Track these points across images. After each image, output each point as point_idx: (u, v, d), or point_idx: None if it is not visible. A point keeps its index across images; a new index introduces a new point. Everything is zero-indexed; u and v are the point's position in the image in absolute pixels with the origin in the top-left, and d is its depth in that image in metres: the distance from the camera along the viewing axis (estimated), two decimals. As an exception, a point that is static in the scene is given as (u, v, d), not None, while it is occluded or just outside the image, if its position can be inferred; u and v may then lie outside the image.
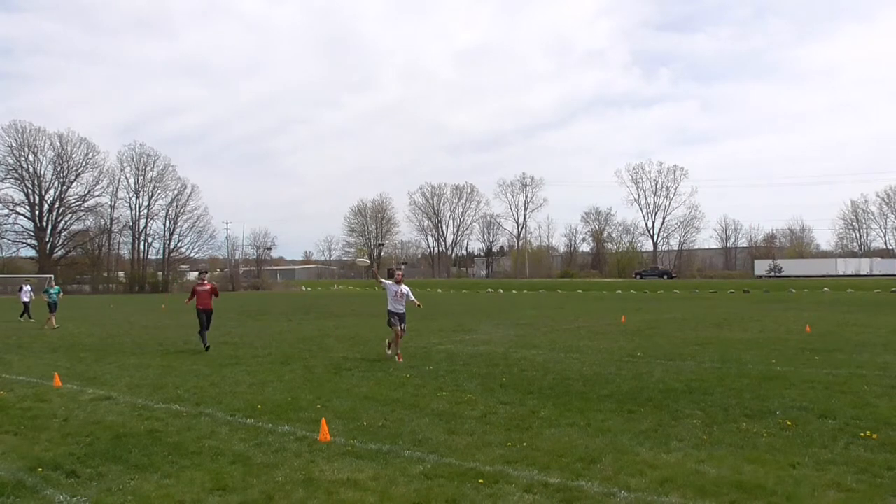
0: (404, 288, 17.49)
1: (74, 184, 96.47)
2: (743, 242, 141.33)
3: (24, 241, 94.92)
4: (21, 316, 33.47)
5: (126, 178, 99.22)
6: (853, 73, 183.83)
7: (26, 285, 34.71)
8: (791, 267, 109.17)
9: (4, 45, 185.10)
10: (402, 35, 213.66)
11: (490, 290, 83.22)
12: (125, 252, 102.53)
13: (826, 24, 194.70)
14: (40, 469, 8.00)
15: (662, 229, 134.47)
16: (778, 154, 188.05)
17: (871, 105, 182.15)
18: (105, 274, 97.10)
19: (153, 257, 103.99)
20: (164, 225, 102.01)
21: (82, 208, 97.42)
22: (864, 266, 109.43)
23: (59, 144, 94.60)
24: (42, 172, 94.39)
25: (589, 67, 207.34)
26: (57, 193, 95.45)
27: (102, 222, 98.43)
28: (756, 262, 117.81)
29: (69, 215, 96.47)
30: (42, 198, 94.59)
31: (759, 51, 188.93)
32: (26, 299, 33.85)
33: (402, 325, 17.42)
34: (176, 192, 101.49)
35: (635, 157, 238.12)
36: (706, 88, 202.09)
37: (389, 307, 17.51)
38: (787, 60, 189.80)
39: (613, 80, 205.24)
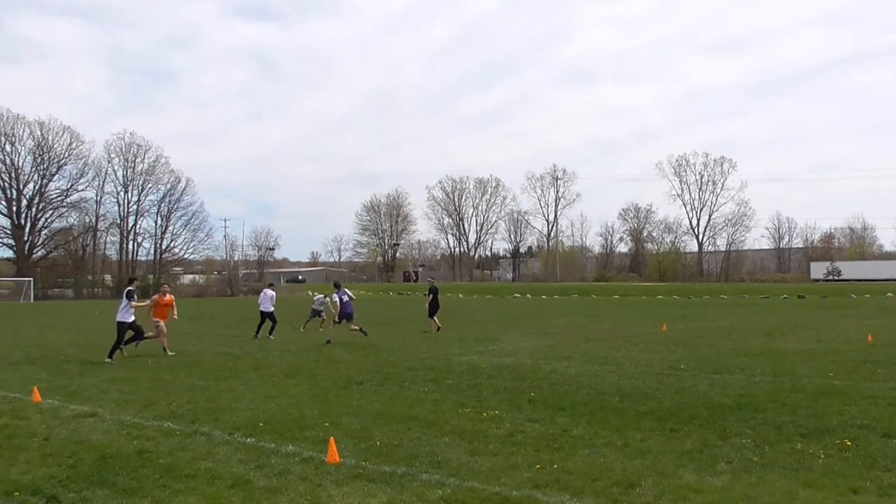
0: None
1: (56, 177, 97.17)
2: (798, 242, 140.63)
3: (1, 240, 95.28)
4: None
5: (113, 170, 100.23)
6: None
7: None
8: (851, 270, 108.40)
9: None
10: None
11: (517, 294, 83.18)
12: (112, 253, 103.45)
13: None
14: (17, 493, 7.99)
15: (708, 228, 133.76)
16: (838, 144, 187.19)
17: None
18: (90, 277, 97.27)
19: (143, 258, 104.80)
20: (156, 222, 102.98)
21: (65, 204, 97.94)
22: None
23: (39, 133, 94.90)
24: (20, 164, 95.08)
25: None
26: (37, 187, 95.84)
27: (87, 219, 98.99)
28: (812, 264, 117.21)
29: (50, 211, 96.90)
30: (20, 192, 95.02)
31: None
32: None
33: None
34: (169, 186, 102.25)
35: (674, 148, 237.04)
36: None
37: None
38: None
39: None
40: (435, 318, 29.90)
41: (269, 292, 28.66)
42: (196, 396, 14.08)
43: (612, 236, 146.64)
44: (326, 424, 11.20)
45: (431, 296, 30.20)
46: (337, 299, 25.66)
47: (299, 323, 33.34)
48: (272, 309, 28.09)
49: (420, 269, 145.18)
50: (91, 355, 22.00)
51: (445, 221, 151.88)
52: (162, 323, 21.58)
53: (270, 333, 27.50)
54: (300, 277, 32.86)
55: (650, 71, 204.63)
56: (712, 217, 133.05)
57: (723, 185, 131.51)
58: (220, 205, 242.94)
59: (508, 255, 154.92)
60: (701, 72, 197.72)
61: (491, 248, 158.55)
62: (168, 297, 21.99)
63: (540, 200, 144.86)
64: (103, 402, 13.66)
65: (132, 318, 20.76)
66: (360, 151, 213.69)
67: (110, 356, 20.26)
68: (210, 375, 17.07)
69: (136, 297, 21.18)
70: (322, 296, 33.51)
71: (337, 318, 25.54)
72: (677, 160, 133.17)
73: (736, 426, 10.79)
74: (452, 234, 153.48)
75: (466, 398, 13.58)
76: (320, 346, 23.90)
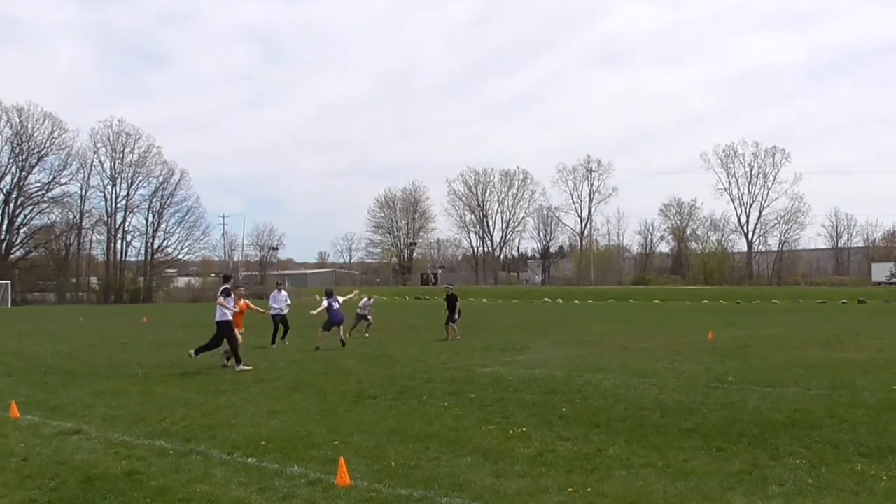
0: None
1: (36, 169, 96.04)
2: (857, 242, 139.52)
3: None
4: None
5: (100, 161, 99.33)
6: None
7: None
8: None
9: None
10: None
11: (547, 299, 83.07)
12: (98, 253, 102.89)
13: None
14: (-4, 518, 8.07)
15: (759, 225, 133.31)
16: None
17: None
18: (74, 279, 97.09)
19: (133, 259, 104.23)
20: (147, 219, 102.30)
21: (46, 199, 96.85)
22: None
23: (17, 120, 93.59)
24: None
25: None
26: (15, 180, 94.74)
27: (71, 216, 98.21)
28: (874, 265, 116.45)
29: (30, 207, 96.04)
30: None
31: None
32: None
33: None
34: (161, 178, 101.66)
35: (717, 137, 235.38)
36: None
37: None
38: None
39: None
40: (454, 325, 30.42)
41: (283, 293, 28.70)
42: (191, 412, 14.12)
43: (651, 235, 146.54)
44: (336, 443, 11.22)
45: (453, 303, 30.66)
46: (326, 305, 26.49)
47: (304, 330, 33.36)
48: (286, 311, 28.21)
49: (439, 272, 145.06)
50: (75, 366, 22.08)
51: (468, 218, 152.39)
52: (237, 332, 21.51)
53: (284, 338, 27.79)
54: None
55: (694, 51, 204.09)
56: (763, 213, 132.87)
57: (775, 177, 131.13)
58: (218, 200, 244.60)
59: (537, 255, 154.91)
60: (751, 52, 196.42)
61: (518, 248, 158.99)
62: (243, 301, 21.88)
63: (572, 195, 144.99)
64: (88, 417, 13.71)
65: (231, 317, 20.90)
66: (373, 140, 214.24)
67: (238, 362, 20.47)
68: (207, 389, 17.12)
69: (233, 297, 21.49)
70: (367, 298, 33.75)
71: (325, 325, 26.39)
72: (724, 150, 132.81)
73: (789, 445, 10.75)
74: (475, 233, 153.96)
75: (491, 414, 13.58)
76: (328, 356, 23.94)
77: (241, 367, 20.23)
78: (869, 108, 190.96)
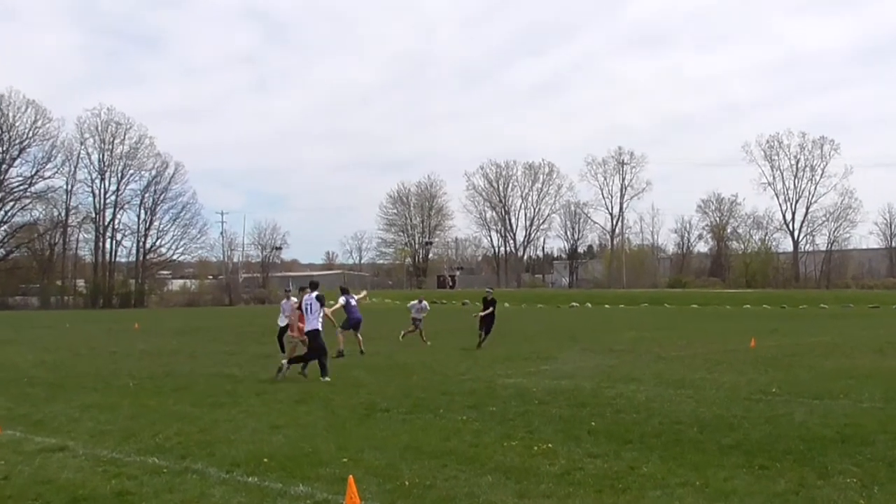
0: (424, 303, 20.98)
1: (18, 161, 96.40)
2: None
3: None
4: None
5: (87, 153, 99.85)
6: None
7: None
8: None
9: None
10: None
11: (575, 303, 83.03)
12: (86, 253, 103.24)
13: None
14: (-26, 542, 8.08)
15: (806, 223, 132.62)
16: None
17: None
18: (59, 282, 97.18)
19: (123, 260, 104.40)
20: (139, 216, 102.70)
21: (28, 194, 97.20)
22: None
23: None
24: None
25: None
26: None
27: (55, 213, 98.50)
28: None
29: (11, 203, 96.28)
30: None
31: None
32: None
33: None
34: (154, 172, 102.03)
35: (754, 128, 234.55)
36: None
37: None
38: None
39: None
40: (486, 333, 30.50)
41: (293, 300, 28.70)
42: (187, 426, 14.13)
43: (689, 233, 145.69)
44: (344, 460, 11.22)
45: (490, 309, 30.74)
46: (343, 301, 26.88)
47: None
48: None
49: (458, 273, 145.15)
50: (60, 377, 22.13)
51: (488, 215, 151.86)
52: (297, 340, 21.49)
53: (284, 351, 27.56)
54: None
55: (736, 32, 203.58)
56: (810, 210, 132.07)
57: (823, 171, 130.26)
58: (216, 195, 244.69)
59: (564, 255, 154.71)
60: (799, 33, 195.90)
61: (543, 248, 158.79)
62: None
63: (602, 190, 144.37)
64: (75, 433, 13.73)
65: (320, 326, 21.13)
66: (385, 131, 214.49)
67: (324, 374, 20.56)
68: (204, 401, 17.14)
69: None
70: (417, 301, 33.94)
71: (344, 324, 26.73)
72: (768, 141, 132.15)
73: (839, 462, 10.71)
74: (497, 231, 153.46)
75: (514, 428, 13.57)
76: (336, 366, 23.90)
77: (327, 377, 20.49)
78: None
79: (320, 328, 20.87)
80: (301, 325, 21.94)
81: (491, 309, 30.59)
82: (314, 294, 21.22)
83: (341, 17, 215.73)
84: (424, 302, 34.03)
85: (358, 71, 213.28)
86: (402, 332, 33.18)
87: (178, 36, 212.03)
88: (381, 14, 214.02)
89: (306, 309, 21.11)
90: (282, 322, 27.64)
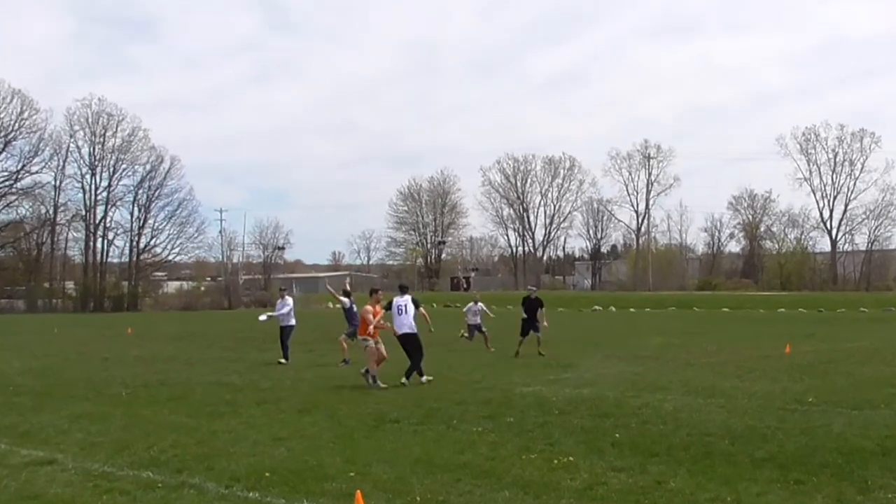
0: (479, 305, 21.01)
1: (3, 155, 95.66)
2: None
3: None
4: None
5: (77, 146, 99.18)
6: None
7: None
8: None
9: None
10: None
11: (597, 307, 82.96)
12: (76, 253, 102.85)
13: None
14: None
15: (844, 221, 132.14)
16: None
17: None
18: (47, 284, 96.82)
19: (115, 260, 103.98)
20: (132, 214, 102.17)
21: (14, 190, 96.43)
22: None
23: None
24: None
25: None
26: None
27: (43, 210, 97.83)
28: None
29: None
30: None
31: None
32: None
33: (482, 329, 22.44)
34: (149, 167, 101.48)
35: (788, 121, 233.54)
36: None
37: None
38: None
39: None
40: (539, 335, 29.72)
41: (287, 301, 28.67)
42: (183, 438, 14.19)
43: (719, 232, 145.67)
44: (352, 474, 11.26)
45: (537, 308, 30.10)
46: (348, 304, 27.59)
47: (313, 344, 33.45)
48: (294, 322, 28.42)
49: (472, 275, 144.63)
50: (48, 385, 22.15)
51: (505, 213, 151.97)
52: (372, 342, 21.43)
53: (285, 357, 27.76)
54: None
55: (770, 17, 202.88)
56: (849, 207, 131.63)
57: (863, 165, 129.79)
58: (215, 192, 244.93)
59: (586, 256, 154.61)
60: (836, 18, 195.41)
61: (564, 248, 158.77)
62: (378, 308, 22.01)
63: (627, 186, 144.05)
64: (64, 445, 13.78)
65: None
66: (395, 123, 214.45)
67: (422, 376, 21.17)
68: (201, 411, 17.21)
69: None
70: (473, 303, 33.44)
71: (349, 332, 26.67)
72: (804, 134, 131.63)
73: (880, 477, 10.71)
74: (514, 230, 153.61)
75: (532, 440, 13.60)
76: (343, 373, 24.01)
77: (426, 378, 21.20)
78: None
79: (416, 330, 21.42)
80: (380, 325, 21.66)
81: (539, 310, 29.89)
82: (408, 296, 21.62)
83: (348, 1, 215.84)
84: (481, 304, 33.40)
85: (366, 60, 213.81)
86: (461, 333, 33.88)
87: (173, 22, 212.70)
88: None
89: (398, 311, 21.40)
90: (284, 322, 27.67)
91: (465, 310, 33.59)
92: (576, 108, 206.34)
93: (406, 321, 21.31)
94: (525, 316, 29.81)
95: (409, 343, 21.31)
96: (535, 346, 29.24)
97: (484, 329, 32.45)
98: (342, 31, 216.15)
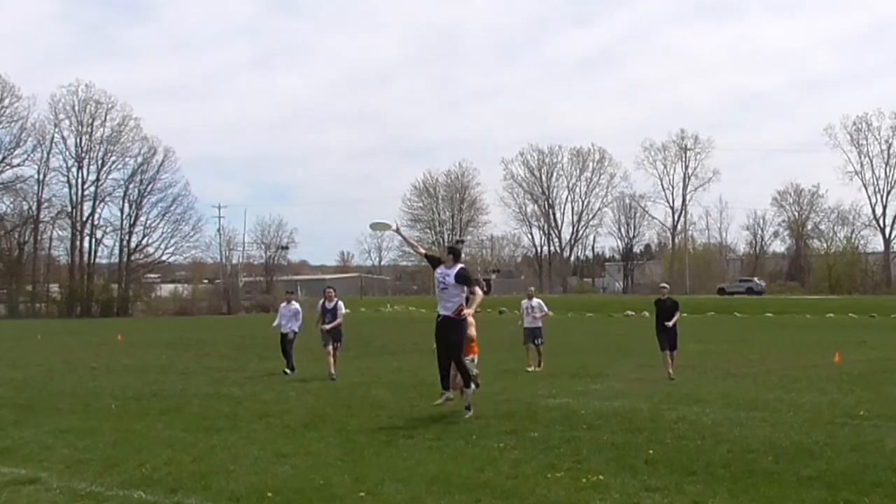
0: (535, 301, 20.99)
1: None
2: None
3: None
4: None
5: (62, 137, 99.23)
6: None
7: None
8: None
9: None
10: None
11: (630, 312, 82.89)
12: (61, 253, 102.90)
13: None
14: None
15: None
16: None
17: None
18: (29, 287, 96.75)
19: (105, 261, 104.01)
20: (122, 211, 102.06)
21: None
22: None
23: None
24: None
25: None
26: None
27: (26, 206, 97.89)
28: None
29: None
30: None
31: None
32: None
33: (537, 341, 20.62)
34: (140, 159, 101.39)
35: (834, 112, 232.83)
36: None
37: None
38: None
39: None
40: (672, 352, 25.39)
41: (294, 305, 28.80)
42: (178, 455, 14.16)
43: (762, 231, 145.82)
44: (362, 494, 11.27)
45: (671, 311, 25.88)
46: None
47: (321, 352, 33.42)
48: (297, 329, 28.33)
49: (493, 277, 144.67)
50: (31, 397, 22.21)
51: (529, 210, 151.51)
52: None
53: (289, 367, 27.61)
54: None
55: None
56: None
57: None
58: (212, 186, 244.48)
59: (617, 256, 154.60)
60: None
61: (593, 248, 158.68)
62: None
63: (662, 180, 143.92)
64: (49, 462, 13.76)
65: None
66: (409, 112, 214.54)
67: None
68: (198, 426, 17.22)
69: None
70: (527, 299, 29.15)
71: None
72: (855, 123, 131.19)
73: (938, 498, 10.67)
74: (539, 228, 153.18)
75: (558, 457, 13.60)
76: (353, 384, 24.03)
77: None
78: None
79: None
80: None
81: (676, 313, 25.67)
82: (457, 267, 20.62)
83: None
84: (537, 300, 28.90)
85: (377, 43, 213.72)
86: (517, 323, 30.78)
87: (168, 1, 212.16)
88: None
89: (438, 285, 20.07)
90: (286, 329, 27.67)
91: (525, 307, 28.64)
92: (606, 96, 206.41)
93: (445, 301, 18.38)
94: (660, 324, 25.96)
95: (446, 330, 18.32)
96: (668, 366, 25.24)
97: (540, 341, 27.93)
98: (351, 13, 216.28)
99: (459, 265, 18.61)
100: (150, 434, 16.29)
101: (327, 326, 25.69)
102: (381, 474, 12.46)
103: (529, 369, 26.77)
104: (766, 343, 40.33)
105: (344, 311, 27.12)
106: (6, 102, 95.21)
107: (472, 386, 18.26)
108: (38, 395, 22.46)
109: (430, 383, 23.88)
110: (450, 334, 18.00)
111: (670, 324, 24.51)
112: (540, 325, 27.92)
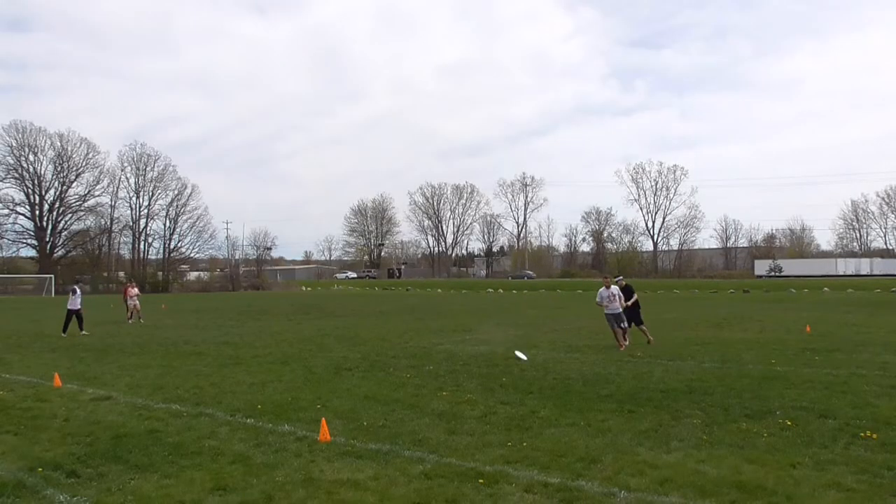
0: (614, 289, 19.12)
1: (75, 184, 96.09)
2: (743, 242, 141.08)
3: (25, 240, 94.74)
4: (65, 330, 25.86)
5: (126, 177, 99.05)
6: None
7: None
8: (791, 267, 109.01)
9: (19, 61, 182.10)
10: (389, 51, 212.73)
11: (490, 290, 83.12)
12: (125, 252, 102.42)
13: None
14: (40, 469, 8.00)
15: (663, 229, 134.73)
16: (778, 153, 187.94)
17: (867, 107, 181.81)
18: (105, 274, 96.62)
19: (153, 257, 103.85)
20: (165, 225, 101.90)
21: (82, 208, 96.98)
22: (864, 266, 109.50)
23: (59, 144, 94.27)
24: (42, 172, 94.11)
25: (568, 80, 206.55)
26: (57, 193, 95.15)
27: (103, 222, 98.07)
28: (756, 262, 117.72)
29: (69, 215, 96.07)
30: (42, 197, 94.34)
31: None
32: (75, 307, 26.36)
33: (622, 324, 19.00)
34: (176, 191, 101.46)
35: (622, 160, 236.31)
36: (681, 98, 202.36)
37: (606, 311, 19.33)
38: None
39: (593, 92, 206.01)
40: (642, 326, 20.68)
41: (77, 291, 26.70)
42: (201, 382, 14.08)
43: (575, 237, 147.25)
44: (318, 407, 11.23)
45: (632, 297, 20.23)
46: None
47: (291, 314, 33.16)
48: (79, 307, 26.19)
49: (403, 267, 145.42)
50: (106, 344, 21.95)
51: (426, 223, 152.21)
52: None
53: (81, 329, 25.63)
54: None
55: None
56: (666, 219, 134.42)
57: (675, 190, 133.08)
58: (222, 208, 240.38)
59: (482, 253, 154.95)
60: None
61: (467, 248, 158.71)
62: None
63: (511, 205, 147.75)
64: (117, 386, 13.67)
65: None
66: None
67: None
68: (214, 363, 17.06)
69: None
70: (604, 288, 19.61)
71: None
72: (635, 168, 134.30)
73: (687, 408, 10.90)
74: (432, 235, 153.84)
75: (445, 383, 13.64)
76: (312, 336, 23.84)
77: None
78: (747, 137, 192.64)
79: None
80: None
81: (633, 297, 20.22)
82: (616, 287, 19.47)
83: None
84: (615, 287, 19.63)
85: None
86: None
87: (194, 114, 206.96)
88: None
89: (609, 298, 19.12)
90: (71, 306, 26.09)
91: (597, 301, 19.78)
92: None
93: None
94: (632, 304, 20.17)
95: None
96: (637, 336, 20.87)
97: (624, 324, 19.37)
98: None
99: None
100: (183, 368, 16.13)
101: None
102: (330, 393, 12.42)
103: (621, 349, 18.76)
104: (578, 310, 40.42)
105: None
106: (90, 155, 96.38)
107: None
108: (110, 343, 22.15)
109: (361, 336, 23.83)
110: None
111: (629, 304, 19.64)
112: (619, 310, 19.18)
